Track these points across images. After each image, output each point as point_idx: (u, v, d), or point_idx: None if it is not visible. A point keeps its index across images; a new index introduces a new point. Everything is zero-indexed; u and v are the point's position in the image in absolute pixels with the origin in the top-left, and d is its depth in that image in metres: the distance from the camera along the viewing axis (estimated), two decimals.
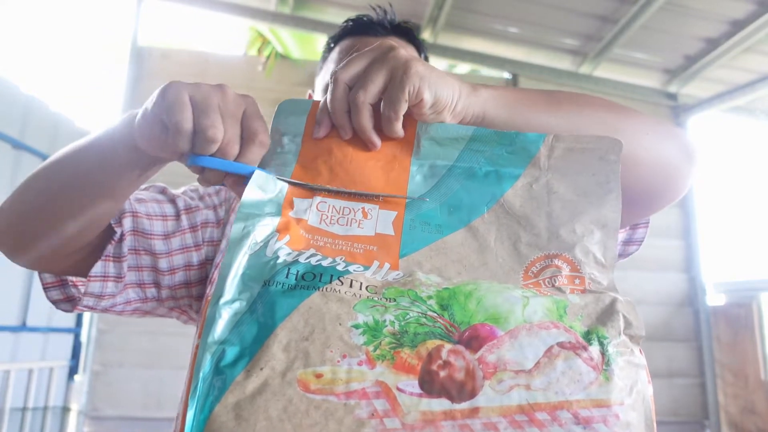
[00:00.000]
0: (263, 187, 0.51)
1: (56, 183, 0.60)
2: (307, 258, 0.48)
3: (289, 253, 0.48)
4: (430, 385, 0.41)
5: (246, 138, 0.50)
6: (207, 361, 0.42)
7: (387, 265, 0.50)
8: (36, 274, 0.72)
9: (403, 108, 0.50)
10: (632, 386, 0.44)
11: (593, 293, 0.49)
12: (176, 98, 0.47)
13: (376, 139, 0.52)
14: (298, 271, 0.46)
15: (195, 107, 0.48)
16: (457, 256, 0.51)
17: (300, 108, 0.55)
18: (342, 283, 0.46)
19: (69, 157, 0.61)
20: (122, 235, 0.69)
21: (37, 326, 3.01)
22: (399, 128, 0.52)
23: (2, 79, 2.89)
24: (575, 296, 0.48)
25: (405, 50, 0.51)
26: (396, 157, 0.54)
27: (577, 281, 0.50)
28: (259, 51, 3.73)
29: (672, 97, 3.86)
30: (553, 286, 0.50)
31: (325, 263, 0.48)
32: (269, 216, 0.50)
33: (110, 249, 0.68)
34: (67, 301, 0.71)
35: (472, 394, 0.41)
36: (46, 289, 0.70)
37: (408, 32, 0.88)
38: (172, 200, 0.76)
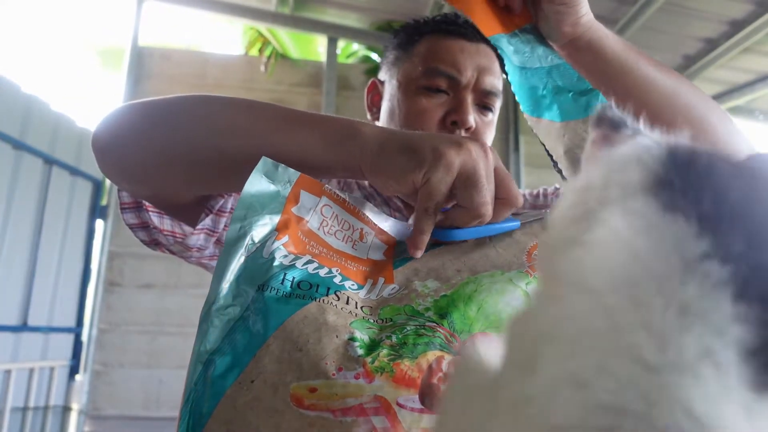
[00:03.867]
0: (270, 175, 0.47)
1: (244, 133, 0.53)
2: (304, 264, 0.45)
3: (286, 256, 0.45)
4: (431, 399, 0.39)
5: (503, 199, 0.49)
6: (198, 371, 0.39)
7: (381, 280, 0.48)
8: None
9: None
10: None
11: None
12: (446, 158, 0.44)
13: None
14: (294, 278, 0.43)
15: (464, 178, 0.45)
16: (453, 254, 0.50)
17: None
18: (339, 298, 0.44)
19: (265, 121, 0.53)
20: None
21: (38, 326, 3.02)
22: None
23: (2, 79, 2.88)
24: None
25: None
26: (497, 23, 0.57)
27: None
28: (260, 51, 3.72)
29: None
30: None
31: (322, 273, 0.45)
32: (269, 214, 0.46)
33: (221, 202, 0.64)
34: (141, 228, 0.65)
35: None
36: (123, 209, 0.64)
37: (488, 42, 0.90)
38: None
